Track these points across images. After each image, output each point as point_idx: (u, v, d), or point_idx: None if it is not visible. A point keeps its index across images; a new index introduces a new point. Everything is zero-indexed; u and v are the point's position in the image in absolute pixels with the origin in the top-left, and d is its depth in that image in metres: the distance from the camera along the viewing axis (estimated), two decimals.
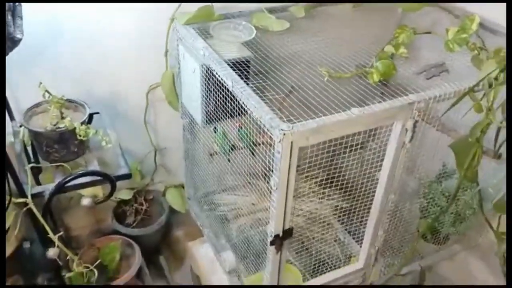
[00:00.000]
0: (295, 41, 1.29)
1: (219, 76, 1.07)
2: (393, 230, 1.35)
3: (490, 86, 1.02)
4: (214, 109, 1.20)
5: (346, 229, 1.57)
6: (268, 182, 1.01)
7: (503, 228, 1.39)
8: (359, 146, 1.17)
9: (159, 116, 1.53)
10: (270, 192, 0.97)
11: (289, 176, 0.93)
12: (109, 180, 1.04)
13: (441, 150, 1.33)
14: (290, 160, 0.90)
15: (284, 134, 0.84)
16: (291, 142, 0.87)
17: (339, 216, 1.60)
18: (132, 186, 1.58)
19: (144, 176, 1.61)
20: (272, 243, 1.01)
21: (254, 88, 1.06)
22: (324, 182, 1.69)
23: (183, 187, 1.62)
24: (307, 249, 1.53)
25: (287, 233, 1.03)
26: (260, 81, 1.11)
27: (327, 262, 1.41)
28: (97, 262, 1.19)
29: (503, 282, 1.25)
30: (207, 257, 1.49)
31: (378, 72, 1.05)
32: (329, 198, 1.67)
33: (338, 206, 1.64)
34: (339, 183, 1.59)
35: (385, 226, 1.22)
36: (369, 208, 1.22)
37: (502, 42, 1.18)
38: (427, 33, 1.26)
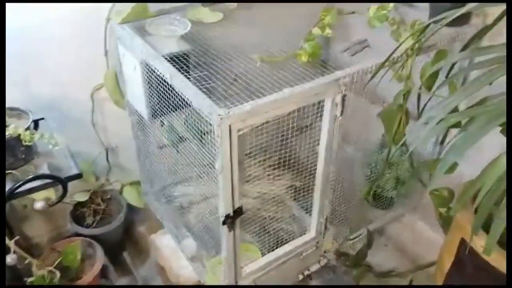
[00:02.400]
0: (230, 31, 1.35)
1: (158, 71, 1.11)
2: (339, 199, 1.45)
3: (407, 56, 1.12)
4: (159, 104, 1.24)
5: (300, 206, 1.66)
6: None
7: (434, 185, 1.52)
8: (308, 128, 1.25)
9: (107, 115, 1.55)
10: None
11: (232, 159, 0.99)
12: (60, 181, 1.07)
13: (380, 122, 1.44)
14: (230, 143, 0.96)
15: (221, 118, 0.90)
16: (229, 126, 0.93)
17: (293, 194, 1.70)
18: (88, 188, 1.59)
19: (99, 177, 1.63)
20: (224, 223, 1.08)
21: (197, 79, 1.11)
22: (276, 164, 1.77)
23: (140, 184, 1.65)
24: (265, 229, 1.60)
25: (237, 212, 1.09)
26: (203, 72, 1.16)
27: (286, 239, 1.49)
28: (56, 262, 1.22)
29: (442, 236, 1.36)
30: (169, 247, 1.54)
31: (306, 53, 1.12)
32: (282, 179, 1.76)
33: (291, 185, 1.73)
34: (291, 163, 1.68)
35: (329, 196, 1.31)
36: None
37: (419, 15, 1.29)
38: (352, 13, 1.35)
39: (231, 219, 1.08)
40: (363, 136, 1.65)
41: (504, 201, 0.82)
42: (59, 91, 1.42)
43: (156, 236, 1.59)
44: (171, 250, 1.54)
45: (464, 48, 1.10)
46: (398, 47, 1.04)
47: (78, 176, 1.11)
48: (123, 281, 1.57)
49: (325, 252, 1.48)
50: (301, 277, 1.45)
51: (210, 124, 0.95)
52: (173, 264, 1.50)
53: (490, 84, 1.16)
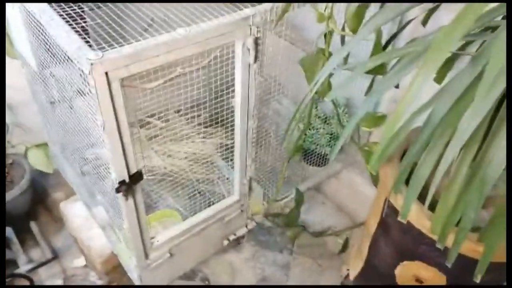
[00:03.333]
0: None
1: (28, 8, 0.91)
2: (271, 157, 1.32)
3: None
4: (44, 51, 1.04)
5: (231, 167, 1.53)
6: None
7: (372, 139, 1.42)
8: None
9: None
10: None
11: (117, 115, 0.83)
12: None
13: None
14: (111, 96, 0.79)
15: (91, 64, 0.73)
16: (106, 73, 0.76)
17: (224, 154, 1.56)
18: None
19: None
20: (117, 191, 0.92)
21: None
22: (207, 121, 1.61)
23: (48, 146, 1.46)
24: (195, 192, 1.47)
25: (135, 177, 0.94)
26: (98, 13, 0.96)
27: (214, 202, 1.37)
28: None
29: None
30: (81, 215, 1.39)
31: None
32: (213, 137, 1.61)
33: (221, 144, 1.59)
34: (223, 121, 1.52)
35: (252, 154, 1.17)
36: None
37: None
38: None
39: (127, 186, 0.92)
40: (298, 88, 1.52)
41: (424, 157, 0.70)
42: None
43: (65, 204, 1.42)
44: (82, 218, 1.38)
45: None
46: None
47: None
48: (31, 252, 1.41)
49: (253, 214, 1.37)
50: (226, 242, 1.34)
51: (83, 72, 0.77)
52: (84, 233, 1.35)
53: (424, 25, 1.04)
